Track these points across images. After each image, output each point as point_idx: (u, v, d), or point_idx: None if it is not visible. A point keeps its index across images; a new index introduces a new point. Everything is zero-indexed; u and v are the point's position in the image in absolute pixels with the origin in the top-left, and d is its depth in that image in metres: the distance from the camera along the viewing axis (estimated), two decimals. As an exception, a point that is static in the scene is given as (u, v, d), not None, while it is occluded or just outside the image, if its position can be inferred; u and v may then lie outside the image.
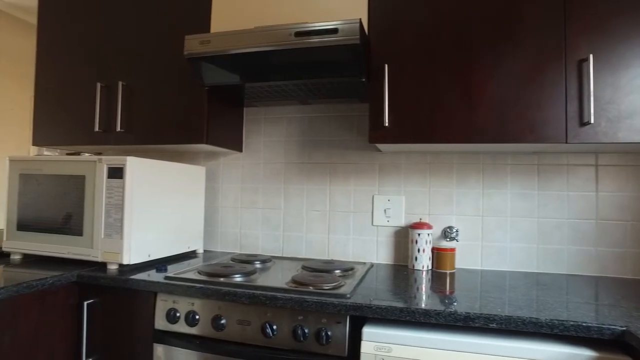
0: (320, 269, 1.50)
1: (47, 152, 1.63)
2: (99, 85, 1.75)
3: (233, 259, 1.66)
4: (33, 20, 4.20)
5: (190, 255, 1.78)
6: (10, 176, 1.57)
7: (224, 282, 1.28)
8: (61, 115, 1.85)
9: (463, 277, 1.47)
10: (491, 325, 1.01)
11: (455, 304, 1.11)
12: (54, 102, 1.87)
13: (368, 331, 1.09)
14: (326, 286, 1.23)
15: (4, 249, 1.59)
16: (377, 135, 1.43)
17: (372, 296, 1.17)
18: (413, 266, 1.63)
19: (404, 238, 1.73)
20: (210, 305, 1.25)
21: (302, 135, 1.85)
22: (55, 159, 1.51)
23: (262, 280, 1.34)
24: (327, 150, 1.82)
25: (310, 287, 1.23)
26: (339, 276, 1.42)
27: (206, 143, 1.62)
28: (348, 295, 1.16)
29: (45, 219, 1.52)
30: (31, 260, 1.56)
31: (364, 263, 1.69)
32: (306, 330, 1.15)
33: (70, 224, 1.47)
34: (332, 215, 1.80)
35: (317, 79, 1.44)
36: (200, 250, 1.86)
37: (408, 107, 1.40)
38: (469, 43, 1.36)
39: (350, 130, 1.80)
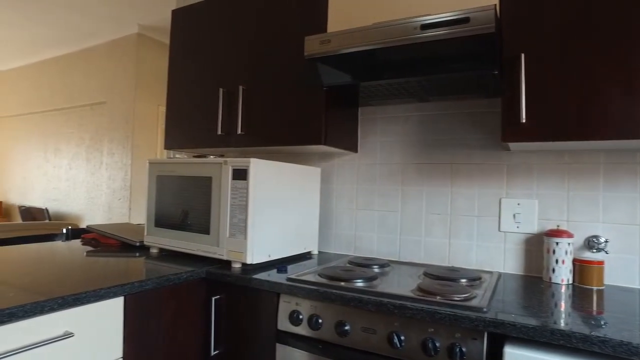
0: (445, 277, 1.40)
1: (178, 155, 1.77)
2: (221, 90, 1.85)
3: (350, 262, 1.63)
4: (164, 39, 4.67)
5: (306, 256, 1.80)
6: (150, 177, 1.72)
7: (346, 287, 1.24)
8: (188, 121, 1.99)
9: (616, 297, 1.26)
10: (680, 362, 0.83)
11: (618, 330, 0.93)
12: (182, 109, 2.02)
13: (511, 352, 0.97)
14: (457, 297, 1.14)
15: (145, 243, 1.76)
16: (512, 133, 1.28)
17: (511, 311, 1.05)
18: (550, 279, 1.44)
19: (536, 246, 1.55)
20: (333, 309, 1.23)
21: (420, 134, 1.76)
22: (185, 162, 1.62)
23: (384, 286, 1.28)
24: (448, 149, 1.70)
25: (438, 297, 1.14)
26: (467, 286, 1.31)
27: (324, 144, 1.61)
28: (485, 310, 1.05)
29: (177, 217, 1.63)
30: (166, 255, 1.70)
31: (491, 272, 1.55)
32: (437, 344, 1.06)
33: (198, 222, 1.56)
34: (454, 219, 1.67)
35: (442, 74, 1.34)
36: (315, 252, 1.86)
37: (550, 100, 1.24)
38: (631, 18, 1.15)
39: (475, 128, 1.66)
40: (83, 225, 4.92)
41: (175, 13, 2.12)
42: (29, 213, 5.43)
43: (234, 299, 1.42)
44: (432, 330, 1.08)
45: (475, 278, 1.40)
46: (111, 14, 4.14)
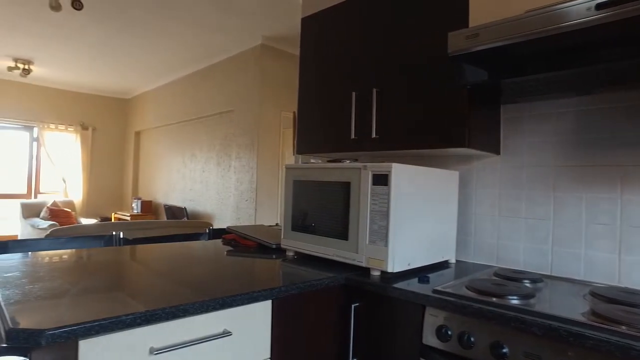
0: (622, 301, 1.18)
1: (312, 160, 1.80)
2: (354, 94, 1.84)
3: (497, 275, 1.49)
4: (286, 48, 4.90)
5: (443, 265, 1.69)
6: (286, 182, 1.78)
7: (503, 305, 1.12)
8: (320, 126, 2.02)
9: None
10: None
11: None
12: (314, 114, 2.06)
13: None
14: (649, 328, 0.95)
15: (281, 246, 1.82)
16: None
17: None
18: None
19: None
20: (488, 328, 1.12)
21: (578, 133, 1.53)
22: (322, 167, 1.64)
23: (544, 306, 1.13)
24: (615, 150, 1.46)
25: (624, 327, 0.96)
26: (655, 314, 1.09)
27: (467, 147, 1.49)
28: (699, 349, 0.85)
29: (313, 222, 1.65)
30: (301, 258, 1.73)
31: (681, 297, 1.28)
32: (627, 384, 0.89)
33: (336, 228, 1.56)
34: (625, 231, 1.42)
35: (621, 60, 1.14)
36: (453, 260, 1.75)
37: None
38: None
39: (654, 123, 1.39)
40: (215, 224, 5.39)
41: (304, 21, 2.18)
42: (171, 211, 6.14)
43: (374, 308, 1.39)
44: (620, 365, 0.91)
45: (663, 304, 1.16)
46: (237, 29, 4.46)
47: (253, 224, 4.64)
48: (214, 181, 5.62)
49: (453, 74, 1.53)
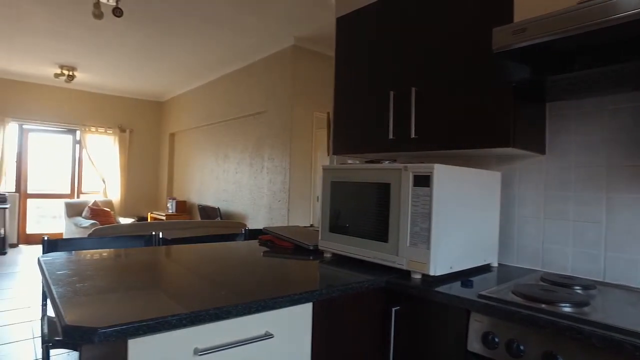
0: (685, 310, 1.11)
1: (350, 161, 1.79)
2: (392, 93, 1.81)
3: (544, 280, 1.43)
4: (318, 48, 4.91)
5: (485, 268, 1.64)
6: (324, 183, 1.77)
7: (556, 313, 1.07)
8: (356, 126, 2.00)
9: None
10: None
11: None
12: (350, 115, 2.04)
13: None
14: None
15: (319, 248, 1.81)
16: None
17: None
18: None
19: None
20: (538, 337, 1.07)
21: (634, 130, 1.45)
22: (361, 167, 1.61)
23: (601, 315, 1.07)
24: (676, 148, 1.37)
25: (691, 339, 0.89)
26: None
27: (513, 147, 1.44)
28: None
29: (352, 223, 1.63)
30: (338, 260, 1.72)
31: None
32: (698, 401, 0.83)
33: (375, 229, 1.54)
34: (687, 236, 1.34)
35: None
36: (495, 264, 1.69)
37: None
38: None
39: None
40: (248, 224, 5.45)
41: (340, 20, 2.16)
42: (205, 211, 6.26)
43: (415, 312, 1.36)
44: (690, 380, 0.85)
45: None
46: (270, 31, 4.50)
47: (286, 224, 4.67)
48: (247, 182, 5.68)
49: (497, 72, 1.47)
